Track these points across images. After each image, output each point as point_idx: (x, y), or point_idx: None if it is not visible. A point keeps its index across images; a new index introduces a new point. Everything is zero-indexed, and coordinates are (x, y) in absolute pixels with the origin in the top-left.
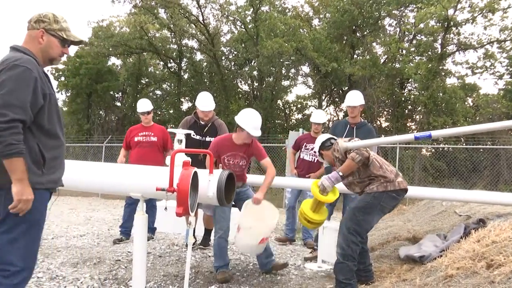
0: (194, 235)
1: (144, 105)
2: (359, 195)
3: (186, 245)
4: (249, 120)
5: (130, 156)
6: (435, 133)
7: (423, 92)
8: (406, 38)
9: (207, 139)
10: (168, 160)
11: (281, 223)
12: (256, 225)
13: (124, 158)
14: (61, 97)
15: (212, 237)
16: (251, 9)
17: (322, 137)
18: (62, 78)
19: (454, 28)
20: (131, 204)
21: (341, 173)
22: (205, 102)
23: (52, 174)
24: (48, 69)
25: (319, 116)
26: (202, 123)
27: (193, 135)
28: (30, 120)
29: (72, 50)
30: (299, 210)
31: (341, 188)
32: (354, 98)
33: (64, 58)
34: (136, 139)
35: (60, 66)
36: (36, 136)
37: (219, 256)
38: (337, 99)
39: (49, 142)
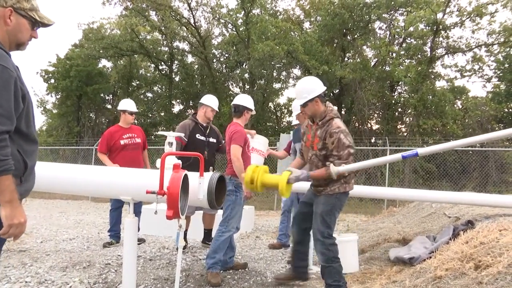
0: (185, 238)
1: (133, 105)
2: (316, 193)
3: (177, 249)
4: (239, 99)
5: (114, 160)
6: (421, 150)
7: (413, 94)
8: (396, 41)
9: (211, 140)
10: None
11: (273, 226)
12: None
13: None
14: (50, 99)
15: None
16: (242, 12)
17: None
18: (52, 80)
19: (443, 32)
20: (117, 209)
21: (309, 176)
22: (217, 102)
23: (28, 183)
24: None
25: (295, 114)
26: (204, 124)
27: (198, 135)
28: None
29: (62, 52)
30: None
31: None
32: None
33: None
34: (122, 142)
35: (50, 68)
36: (15, 142)
37: (220, 252)
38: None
39: (29, 147)
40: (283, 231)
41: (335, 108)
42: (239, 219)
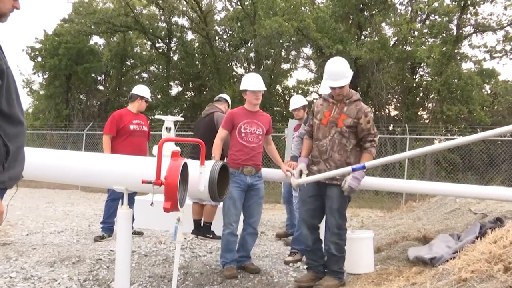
0: (209, 231)
1: (148, 91)
2: (328, 185)
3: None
4: (246, 80)
5: (120, 145)
6: (368, 164)
7: (436, 78)
8: (419, 18)
9: None
10: (155, 150)
11: (279, 221)
12: None
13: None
14: (37, 79)
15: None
16: None
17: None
18: (39, 59)
19: (471, 8)
20: (115, 199)
21: (365, 166)
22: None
23: (13, 169)
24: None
25: (294, 101)
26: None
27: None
28: None
29: (50, 28)
30: None
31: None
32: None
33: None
34: (131, 127)
35: (37, 45)
36: None
37: (226, 251)
38: None
39: (12, 129)
40: (289, 222)
41: None
42: (233, 214)
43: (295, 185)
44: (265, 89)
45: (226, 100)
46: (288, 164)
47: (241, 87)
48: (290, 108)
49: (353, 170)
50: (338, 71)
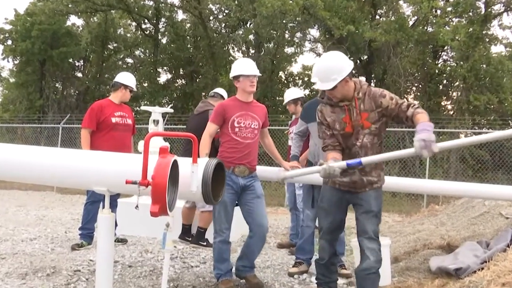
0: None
1: (132, 79)
2: (362, 188)
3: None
4: (237, 65)
5: (100, 141)
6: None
7: (462, 63)
8: None
9: None
10: (141, 145)
11: (282, 226)
12: None
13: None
14: (7, 65)
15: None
16: None
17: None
18: (9, 42)
19: None
20: (95, 202)
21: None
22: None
23: None
24: None
25: (287, 94)
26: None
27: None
28: None
29: (22, 7)
30: None
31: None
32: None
33: None
34: (113, 120)
35: (6, 27)
36: None
37: (220, 261)
38: (354, 71)
39: None
40: (293, 231)
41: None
42: (224, 220)
43: (282, 179)
44: (260, 74)
45: (222, 96)
46: (291, 167)
47: (232, 74)
48: (285, 101)
49: (348, 165)
50: (324, 70)
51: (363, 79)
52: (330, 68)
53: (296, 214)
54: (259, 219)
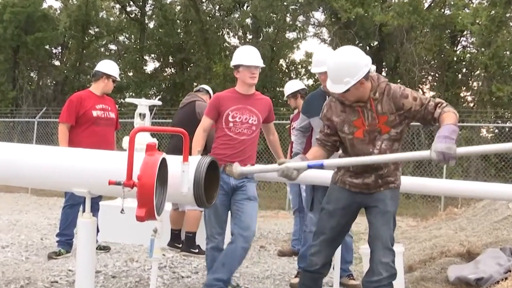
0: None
1: (116, 67)
2: (378, 188)
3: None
4: (239, 53)
5: (80, 137)
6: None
7: (483, 49)
8: None
9: None
10: (126, 142)
11: (283, 232)
12: None
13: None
14: None
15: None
16: None
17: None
18: None
19: None
20: (74, 205)
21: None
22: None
23: None
24: None
25: (286, 88)
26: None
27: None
28: None
29: None
30: None
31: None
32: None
33: None
34: (95, 113)
35: None
36: None
37: (208, 271)
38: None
39: None
40: (296, 236)
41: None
42: (215, 225)
43: (238, 174)
44: (263, 65)
45: (207, 92)
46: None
47: (233, 63)
48: (285, 94)
49: (309, 166)
50: (335, 69)
51: (373, 68)
52: (342, 68)
53: (301, 218)
54: (247, 221)
